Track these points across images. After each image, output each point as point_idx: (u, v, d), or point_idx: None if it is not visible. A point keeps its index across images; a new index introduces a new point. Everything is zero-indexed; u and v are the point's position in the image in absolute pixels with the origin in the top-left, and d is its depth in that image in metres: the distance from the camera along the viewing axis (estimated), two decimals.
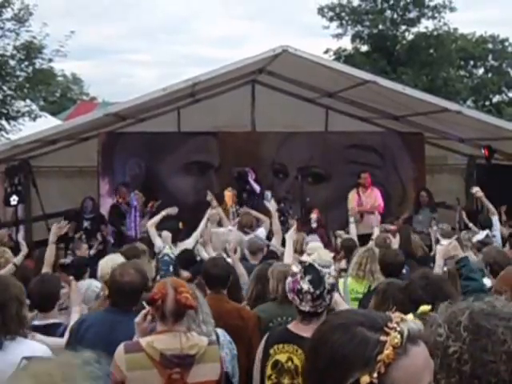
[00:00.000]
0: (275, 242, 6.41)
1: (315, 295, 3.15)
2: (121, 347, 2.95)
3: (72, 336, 3.47)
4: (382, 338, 1.15)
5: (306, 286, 3.16)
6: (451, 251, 4.33)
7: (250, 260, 6.19)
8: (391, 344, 1.14)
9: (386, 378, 1.13)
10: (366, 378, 1.12)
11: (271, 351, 3.25)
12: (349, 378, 1.13)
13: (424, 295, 3.02)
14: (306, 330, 3.14)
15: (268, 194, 7.02)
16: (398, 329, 1.17)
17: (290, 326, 3.33)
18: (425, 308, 2.51)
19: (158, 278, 4.95)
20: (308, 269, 3.24)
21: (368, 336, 1.16)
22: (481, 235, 7.50)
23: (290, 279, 3.29)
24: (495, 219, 7.60)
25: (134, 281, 3.50)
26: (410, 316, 2.29)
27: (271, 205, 6.79)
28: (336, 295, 3.45)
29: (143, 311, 3.13)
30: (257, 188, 10.31)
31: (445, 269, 4.45)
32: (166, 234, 6.40)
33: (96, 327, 3.47)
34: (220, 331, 3.65)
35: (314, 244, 6.93)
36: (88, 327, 3.48)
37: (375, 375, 1.12)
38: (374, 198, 10.18)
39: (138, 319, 3.08)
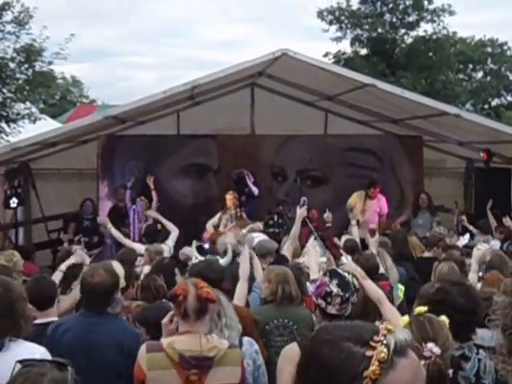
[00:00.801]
0: (287, 248, 6.38)
1: (344, 298, 3.21)
2: (143, 347, 3.01)
3: (48, 341, 3.45)
4: (368, 352, 1.13)
5: (335, 288, 3.21)
6: (487, 256, 4.36)
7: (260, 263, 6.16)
8: (377, 359, 1.12)
9: None
10: None
11: None
12: None
13: (466, 303, 2.99)
14: None
15: (303, 199, 6.86)
16: (385, 342, 1.14)
17: None
18: (421, 309, 2.55)
19: None
20: (332, 273, 3.31)
21: (354, 351, 1.14)
22: (465, 239, 7.53)
23: (311, 287, 3.33)
24: None
25: (104, 281, 3.52)
26: (406, 318, 2.33)
27: (299, 211, 6.69)
28: (379, 292, 3.49)
29: (170, 313, 3.14)
30: (255, 191, 10.32)
31: (480, 274, 4.44)
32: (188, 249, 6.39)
33: (72, 331, 3.47)
34: (246, 340, 3.63)
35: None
36: (64, 331, 3.48)
37: None
38: (379, 206, 10.14)
39: (165, 320, 3.11)
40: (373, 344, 1.14)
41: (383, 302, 3.50)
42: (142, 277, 5.36)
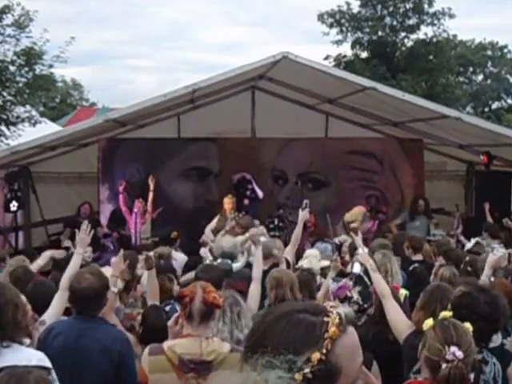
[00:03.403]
0: (289, 250, 6.33)
1: (362, 308, 3.20)
2: (146, 350, 3.01)
3: (40, 344, 3.43)
4: (326, 319, 1.30)
5: (356, 295, 3.16)
6: (502, 262, 4.35)
7: None
8: (334, 324, 1.29)
9: (332, 354, 1.26)
10: (316, 355, 1.25)
11: None
12: (300, 359, 1.25)
13: (491, 311, 3.02)
14: None
15: (305, 202, 6.84)
16: (335, 312, 1.32)
17: None
18: (446, 314, 2.63)
19: None
20: (358, 279, 3.27)
21: (313, 320, 1.30)
22: (470, 244, 7.46)
23: (334, 285, 3.27)
24: None
25: (91, 285, 3.49)
26: (430, 321, 2.38)
27: (301, 213, 6.58)
28: (385, 287, 3.42)
29: (175, 315, 3.16)
30: (260, 194, 10.32)
31: (492, 279, 4.42)
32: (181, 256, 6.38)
33: (63, 335, 3.46)
34: None
35: (311, 251, 6.88)
36: (56, 335, 3.46)
37: (324, 351, 1.26)
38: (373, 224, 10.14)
39: (170, 323, 3.13)
40: (327, 313, 1.32)
41: (387, 297, 3.46)
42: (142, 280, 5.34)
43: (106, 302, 3.58)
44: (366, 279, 3.28)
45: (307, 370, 1.24)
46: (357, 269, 4.27)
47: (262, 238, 7.51)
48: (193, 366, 2.88)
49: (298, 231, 6.40)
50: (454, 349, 2.40)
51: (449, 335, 2.48)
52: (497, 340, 3.43)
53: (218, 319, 3.50)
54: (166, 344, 2.96)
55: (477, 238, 7.64)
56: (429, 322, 2.58)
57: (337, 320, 1.30)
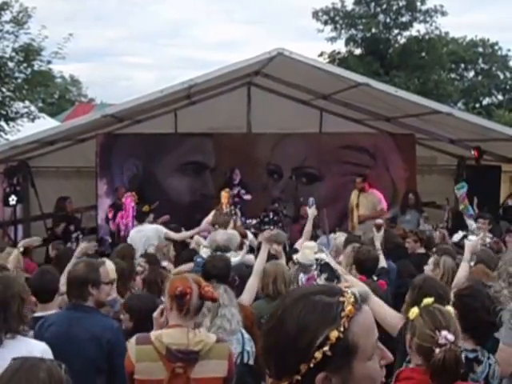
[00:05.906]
0: (300, 243, 6.55)
1: None
2: (133, 339, 3.06)
3: (35, 336, 3.47)
4: (341, 298, 1.36)
5: (322, 283, 3.26)
6: (478, 246, 4.55)
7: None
8: (349, 302, 1.35)
9: (349, 332, 1.33)
10: (334, 333, 1.31)
11: None
12: (319, 338, 1.31)
13: (490, 303, 3.17)
14: None
15: (310, 200, 7.10)
16: (350, 291, 1.39)
17: None
18: (428, 300, 2.74)
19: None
20: (323, 267, 3.36)
21: (330, 300, 1.36)
22: (457, 236, 7.62)
23: (302, 276, 3.37)
24: None
25: (77, 270, 3.57)
26: (416, 309, 2.56)
27: (309, 211, 6.93)
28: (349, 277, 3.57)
29: (161, 306, 3.22)
30: (248, 198, 10.54)
31: (472, 263, 4.59)
32: (197, 238, 6.57)
33: (55, 326, 3.53)
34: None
35: (307, 243, 7.06)
36: (48, 326, 3.54)
37: (342, 329, 1.32)
38: (371, 200, 10.24)
39: (155, 314, 3.18)
40: (343, 293, 1.39)
41: (370, 295, 3.57)
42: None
43: (90, 294, 3.55)
44: (332, 265, 3.38)
45: (326, 348, 1.30)
46: (320, 256, 4.47)
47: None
48: (180, 356, 2.95)
49: (308, 227, 6.77)
50: (444, 333, 2.48)
51: (437, 320, 2.57)
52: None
53: (229, 306, 3.71)
54: (153, 334, 3.02)
55: (464, 232, 7.81)
56: (414, 311, 2.67)
57: (352, 299, 1.35)
